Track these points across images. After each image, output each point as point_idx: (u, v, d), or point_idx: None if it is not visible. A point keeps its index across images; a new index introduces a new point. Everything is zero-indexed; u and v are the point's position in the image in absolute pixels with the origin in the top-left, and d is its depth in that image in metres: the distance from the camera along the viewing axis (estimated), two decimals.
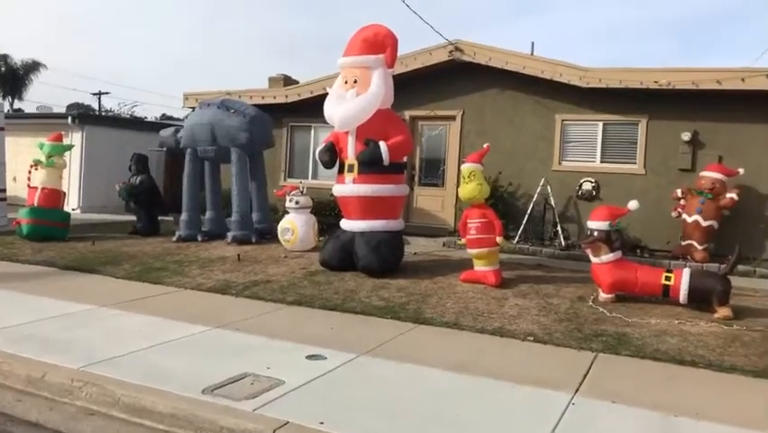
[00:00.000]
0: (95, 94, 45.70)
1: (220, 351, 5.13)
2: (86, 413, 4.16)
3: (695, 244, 9.79)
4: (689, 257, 9.78)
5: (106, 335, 5.47)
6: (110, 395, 4.23)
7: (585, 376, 4.73)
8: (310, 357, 4.97)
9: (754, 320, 6.33)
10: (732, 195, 9.71)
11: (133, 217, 12.17)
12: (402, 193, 8.62)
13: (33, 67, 38.20)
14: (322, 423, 3.74)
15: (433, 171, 12.84)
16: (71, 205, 15.11)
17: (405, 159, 8.94)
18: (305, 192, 10.23)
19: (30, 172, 11.48)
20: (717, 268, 7.58)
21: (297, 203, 9.96)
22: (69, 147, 12.54)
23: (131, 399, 4.15)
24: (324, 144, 8.58)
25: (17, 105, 37.71)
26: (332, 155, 8.39)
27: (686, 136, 10.49)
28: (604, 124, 11.27)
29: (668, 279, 6.71)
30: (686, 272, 6.71)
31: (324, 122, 8.62)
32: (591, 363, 5.05)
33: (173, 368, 4.65)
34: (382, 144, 8.00)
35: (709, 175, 9.88)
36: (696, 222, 9.78)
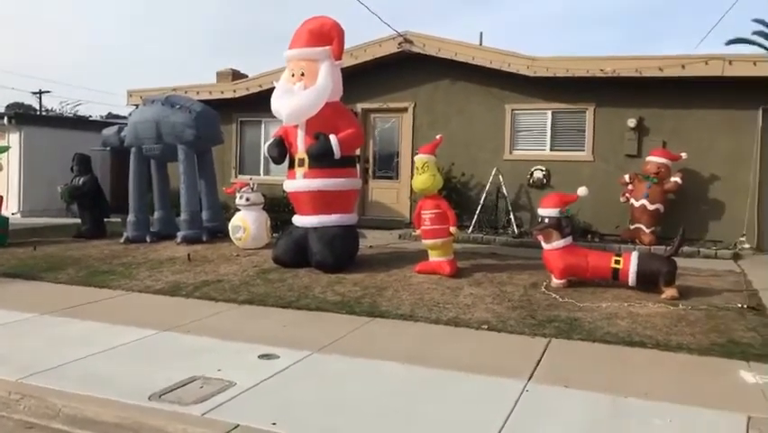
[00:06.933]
0: (35, 93, 43.94)
1: (169, 355, 4.96)
2: (25, 427, 3.95)
3: (643, 227, 10.05)
4: (637, 240, 10.05)
5: (48, 343, 5.23)
6: (50, 407, 4.03)
7: (539, 362, 4.77)
8: (262, 357, 4.86)
9: (698, 300, 6.53)
10: (676, 179, 10.02)
11: (78, 221, 11.73)
12: (355, 187, 8.53)
13: None
14: (274, 424, 3.65)
15: (387, 164, 12.80)
16: (11, 209, 14.45)
17: (357, 152, 8.85)
18: (255, 189, 10.02)
19: None
20: (663, 250, 7.81)
21: (247, 200, 9.75)
22: (6, 149, 12.02)
23: (73, 409, 3.96)
24: (272, 139, 8.42)
25: None
26: (281, 150, 8.23)
27: (632, 123, 10.73)
28: (553, 113, 11.43)
29: (617, 262, 6.85)
30: (634, 256, 6.86)
31: (275, 116, 8.45)
32: (545, 350, 5.10)
33: (119, 375, 4.47)
34: (333, 138, 7.89)
35: (654, 160, 10.14)
36: (643, 206, 10.03)
